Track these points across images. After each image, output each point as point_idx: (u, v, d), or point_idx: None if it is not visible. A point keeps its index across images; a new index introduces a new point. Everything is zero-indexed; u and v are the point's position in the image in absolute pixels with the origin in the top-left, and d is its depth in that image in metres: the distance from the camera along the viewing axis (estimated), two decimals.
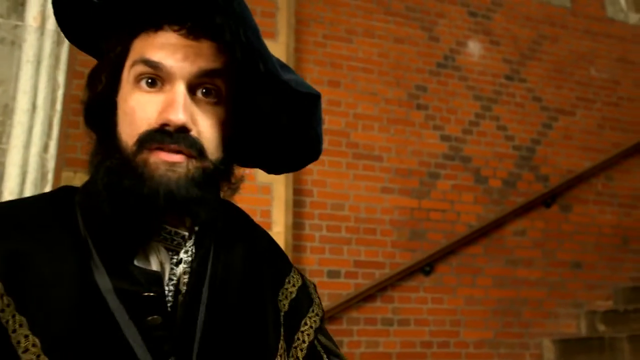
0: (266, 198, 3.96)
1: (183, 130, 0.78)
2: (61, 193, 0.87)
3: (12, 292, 0.74)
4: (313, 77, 4.56)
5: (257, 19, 3.48)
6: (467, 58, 5.12)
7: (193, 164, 0.79)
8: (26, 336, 0.72)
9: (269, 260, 0.98)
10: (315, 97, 0.89)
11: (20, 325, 0.73)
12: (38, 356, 0.72)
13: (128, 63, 0.82)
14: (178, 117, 0.77)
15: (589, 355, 4.32)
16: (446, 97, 4.93)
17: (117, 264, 0.79)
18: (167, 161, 0.77)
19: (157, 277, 0.80)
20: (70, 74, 3.68)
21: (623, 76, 5.68)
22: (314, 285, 1.04)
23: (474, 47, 5.17)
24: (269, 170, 1.01)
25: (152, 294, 0.79)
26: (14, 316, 0.73)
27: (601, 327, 4.64)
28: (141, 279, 0.79)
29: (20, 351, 0.72)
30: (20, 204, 0.86)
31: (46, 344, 0.72)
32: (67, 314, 0.75)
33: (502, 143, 5.02)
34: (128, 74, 0.82)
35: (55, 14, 0.88)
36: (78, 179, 3.67)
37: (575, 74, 5.49)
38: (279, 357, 0.88)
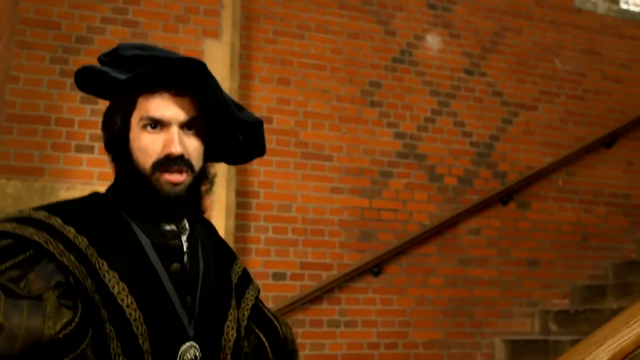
0: (206, 203, 3.86)
1: (180, 157, 1.17)
2: (95, 195, 1.26)
3: (93, 244, 1.11)
4: (262, 75, 4.43)
5: (200, 18, 3.35)
6: (425, 52, 4.96)
7: (188, 177, 1.19)
8: (107, 271, 1.10)
9: (224, 248, 1.41)
10: (260, 123, 1.32)
11: (103, 265, 1.10)
12: (118, 283, 1.10)
13: (136, 115, 1.19)
14: (177, 149, 1.16)
15: (536, 356, 4.23)
16: (402, 93, 4.79)
17: (149, 227, 1.20)
18: (170, 181, 1.17)
19: (177, 233, 1.23)
20: (5, 77, 3.57)
21: (589, 68, 5.50)
22: (246, 269, 1.46)
23: (433, 41, 5.00)
24: (228, 162, 1.43)
25: (176, 242, 1.22)
26: (97, 259, 1.10)
27: (553, 327, 4.55)
28: (167, 234, 1.21)
29: (106, 280, 1.09)
30: (77, 202, 1.23)
31: (120, 275, 1.11)
32: (126, 259, 1.14)
33: (459, 140, 4.88)
34: (137, 122, 1.18)
35: (78, 78, 1.24)
36: (11, 186, 3.58)
37: (538, 66, 5.31)
38: (232, 309, 1.29)
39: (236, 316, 1.30)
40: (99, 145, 3.77)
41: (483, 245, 4.74)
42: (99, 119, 3.48)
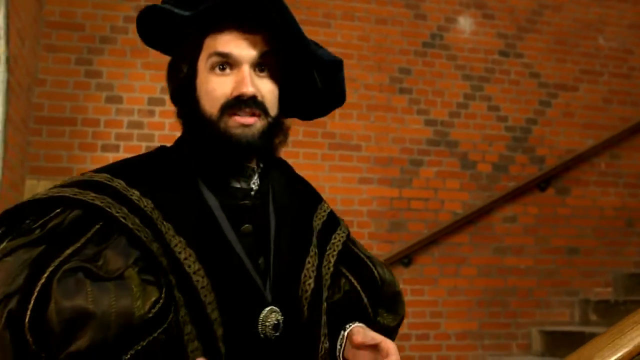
0: None
1: (253, 97, 1.08)
2: (162, 150, 1.20)
3: (158, 207, 1.05)
4: None
5: None
6: (457, 35, 4.78)
7: (261, 122, 1.10)
8: (174, 236, 1.04)
9: (305, 193, 1.32)
10: (340, 62, 1.23)
11: (169, 229, 1.04)
12: (184, 248, 1.03)
13: (203, 56, 1.11)
14: (249, 89, 1.07)
15: (573, 348, 4.07)
16: (432, 78, 4.64)
17: (218, 187, 1.13)
18: (242, 123, 1.08)
19: (248, 191, 1.15)
20: (32, 80, 3.64)
21: (636, 44, 5.17)
22: (337, 216, 1.35)
23: (465, 23, 4.82)
24: (303, 118, 1.32)
25: (247, 202, 1.14)
26: (163, 223, 1.04)
27: (593, 318, 4.36)
28: (237, 193, 1.14)
29: (172, 245, 1.03)
30: (142, 160, 1.17)
31: (187, 240, 1.04)
32: (193, 223, 1.07)
33: (494, 125, 4.70)
34: (204, 64, 1.10)
35: (139, 23, 1.17)
36: (42, 186, 3.67)
37: (580, 45, 5.04)
38: (309, 257, 1.19)
39: (315, 264, 1.19)
40: (124, 144, 3.82)
41: (519, 233, 4.57)
42: (124, 118, 3.58)
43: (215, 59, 1.09)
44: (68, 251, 0.95)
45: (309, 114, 1.31)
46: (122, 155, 3.79)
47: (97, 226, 1.00)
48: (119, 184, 1.05)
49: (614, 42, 5.12)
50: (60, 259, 0.94)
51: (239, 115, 1.08)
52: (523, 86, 4.82)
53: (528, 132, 4.76)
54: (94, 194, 1.02)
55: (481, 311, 4.39)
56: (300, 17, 4.08)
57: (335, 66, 1.22)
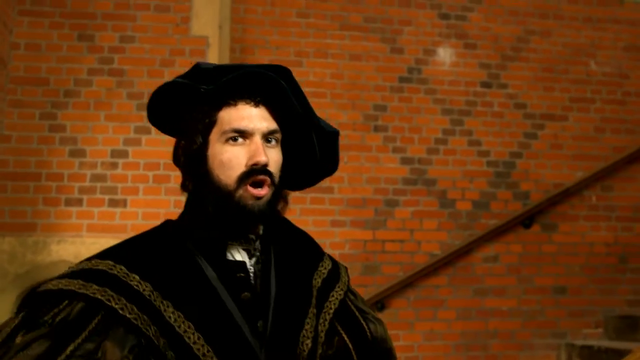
0: None
1: (265, 166, 1.14)
2: (165, 225, 1.26)
3: (157, 288, 1.11)
4: None
5: (186, 60, 3.27)
6: (436, 68, 4.59)
7: (270, 191, 1.15)
8: (173, 312, 1.09)
9: (308, 251, 1.33)
10: (337, 133, 1.30)
11: (168, 306, 1.09)
12: (183, 322, 1.09)
13: (216, 129, 1.16)
14: (262, 159, 1.14)
15: None
16: (409, 114, 4.47)
17: (216, 260, 1.17)
18: (254, 196, 1.14)
19: (243, 264, 1.19)
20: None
21: (632, 67, 4.87)
22: (345, 268, 1.39)
23: (445, 54, 4.62)
24: (292, 188, 1.32)
25: (242, 274, 1.18)
26: (162, 302, 1.10)
27: None
28: (233, 267, 1.18)
29: (171, 320, 1.09)
30: (143, 238, 1.23)
31: (185, 313, 1.10)
32: (192, 295, 1.12)
33: (475, 160, 4.50)
34: (219, 136, 1.16)
35: (155, 98, 1.24)
36: (7, 243, 3.70)
37: (569, 71, 4.77)
38: (308, 319, 1.22)
39: (314, 325, 1.23)
40: (87, 198, 3.81)
41: (501, 273, 4.37)
42: (87, 172, 3.55)
43: (231, 133, 1.16)
44: (70, 348, 1.03)
45: (298, 184, 1.35)
46: (85, 209, 3.79)
47: (99, 317, 1.07)
48: (120, 270, 1.11)
49: (608, 66, 4.83)
50: (62, 357, 1.03)
51: (252, 185, 1.15)
52: (507, 118, 4.60)
53: (512, 167, 4.54)
54: (96, 287, 1.09)
55: (460, 355, 4.22)
56: (270, 57, 3.99)
57: (333, 137, 1.29)
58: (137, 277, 1.12)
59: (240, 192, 1.14)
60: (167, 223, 1.27)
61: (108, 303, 1.07)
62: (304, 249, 1.35)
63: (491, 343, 4.26)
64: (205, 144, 1.18)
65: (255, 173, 1.14)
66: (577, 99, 4.73)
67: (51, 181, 3.81)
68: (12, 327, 1.08)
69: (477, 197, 4.44)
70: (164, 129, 1.32)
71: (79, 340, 1.05)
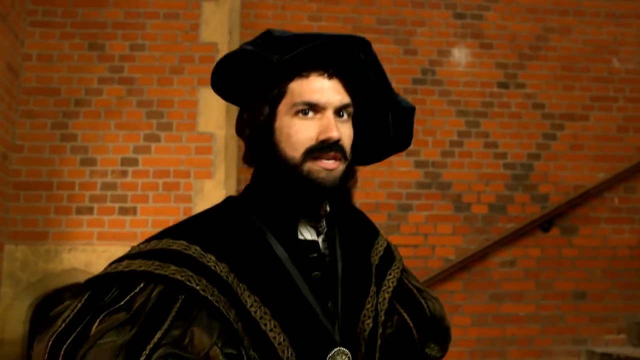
0: None
1: (337, 142, 1.08)
2: (229, 203, 1.21)
3: (233, 270, 1.05)
4: None
5: (195, 67, 3.26)
6: (451, 69, 4.48)
7: (341, 166, 1.10)
8: (249, 295, 1.04)
9: (364, 229, 1.31)
10: (413, 109, 1.23)
11: (244, 290, 1.04)
12: (260, 307, 1.04)
13: (286, 100, 1.10)
14: (334, 134, 1.07)
15: None
16: (423, 117, 4.37)
17: (287, 239, 1.13)
18: (326, 168, 1.08)
19: (316, 244, 1.16)
20: (7, 148, 3.71)
21: None
22: (395, 246, 1.36)
23: (460, 55, 4.50)
24: (361, 163, 1.26)
25: (315, 254, 1.14)
26: (238, 285, 1.04)
27: None
28: (305, 246, 1.14)
29: (248, 305, 1.03)
30: (211, 217, 1.17)
31: (261, 298, 1.05)
32: (265, 277, 1.07)
33: (491, 163, 4.38)
34: (287, 108, 1.09)
35: (221, 65, 1.17)
36: (20, 251, 3.74)
37: (590, 69, 4.60)
38: (369, 297, 1.20)
39: (374, 303, 1.21)
40: (97, 206, 3.82)
41: (519, 278, 4.24)
42: (98, 180, 3.56)
43: (301, 105, 1.09)
44: (157, 335, 0.96)
45: (368, 159, 1.30)
46: (96, 218, 3.80)
47: (180, 300, 1.01)
48: (195, 250, 1.05)
49: (631, 63, 4.64)
50: (151, 345, 0.95)
51: (323, 159, 1.08)
52: (524, 119, 4.46)
53: (530, 169, 4.40)
54: (174, 267, 1.02)
55: None
56: None
57: (409, 113, 1.23)
58: (214, 258, 1.05)
59: (309, 164, 1.08)
60: (230, 200, 1.22)
61: (189, 284, 1.01)
62: (362, 226, 1.32)
63: (508, 350, 4.14)
64: (272, 116, 1.11)
65: (326, 148, 1.08)
66: (598, 98, 4.55)
67: (62, 190, 3.83)
68: (76, 311, 1.01)
69: (494, 201, 4.32)
70: (227, 96, 1.25)
71: (164, 327, 0.97)
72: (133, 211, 3.82)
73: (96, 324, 0.98)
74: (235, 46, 3.96)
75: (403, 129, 1.23)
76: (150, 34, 4.03)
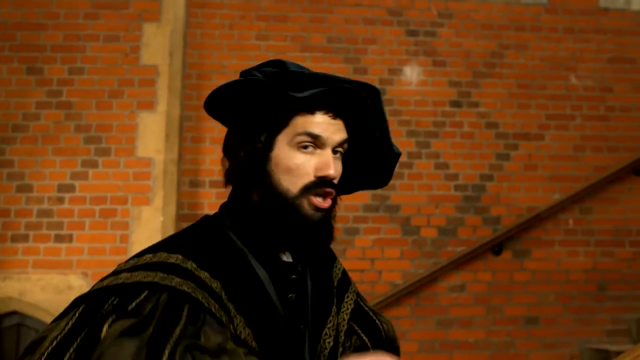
0: None
1: (333, 179, 1.09)
2: (208, 222, 1.19)
3: (224, 288, 1.05)
4: (213, 135, 4.12)
5: (135, 90, 3.15)
6: (402, 88, 4.33)
7: (331, 203, 1.11)
8: (235, 315, 1.04)
9: (325, 251, 1.29)
10: (399, 155, 1.24)
11: (232, 309, 1.04)
12: (244, 328, 1.05)
13: (288, 131, 1.09)
14: (331, 172, 1.08)
15: None
16: None
17: (268, 261, 1.13)
18: (318, 207, 1.08)
19: (294, 266, 1.17)
20: None
21: (617, 80, 4.49)
22: (345, 270, 1.36)
23: (412, 73, 4.35)
24: (346, 192, 1.27)
25: (294, 276, 1.16)
26: (228, 303, 1.04)
27: None
28: (285, 267, 1.15)
29: (234, 324, 1.04)
30: (195, 235, 1.15)
31: (245, 319, 1.05)
32: (249, 298, 1.07)
33: (441, 184, 4.23)
34: (289, 140, 1.09)
35: (223, 90, 1.13)
36: None
37: (547, 86, 4.43)
38: (331, 317, 1.20)
39: (334, 323, 1.22)
40: (33, 234, 3.73)
41: (468, 303, 4.10)
42: (34, 207, 3.46)
43: (304, 137, 1.09)
44: (177, 330, 0.95)
45: (344, 190, 1.27)
46: (31, 245, 3.71)
47: (187, 307, 1.00)
48: (191, 266, 1.05)
49: (590, 80, 4.47)
50: (174, 339, 0.94)
51: (318, 196, 1.09)
52: (477, 139, 4.31)
53: (482, 190, 4.25)
54: (178, 279, 1.02)
55: None
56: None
57: (394, 158, 1.24)
58: (208, 275, 1.05)
59: (303, 201, 1.09)
60: (207, 219, 1.20)
61: (193, 295, 1.01)
62: (323, 248, 1.31)
63: None
64: (270, 145, 1.11)
65: (323, 185, 1.09)
66: (555, 116, 4.39)
67: None
68: (70, 324, 0.97)
69: (444, 224, 4.18)
70: (218, 116, 1.21)
71: (181, 324, 0.96)
72: (69, 238, 3.72)
73: (105, 329, 0.94)
74: (176, 68, 3.86)
75: (384, 171, 1.25)
76: (89, 57, 3.92)
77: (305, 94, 1.07)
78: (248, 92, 1.12)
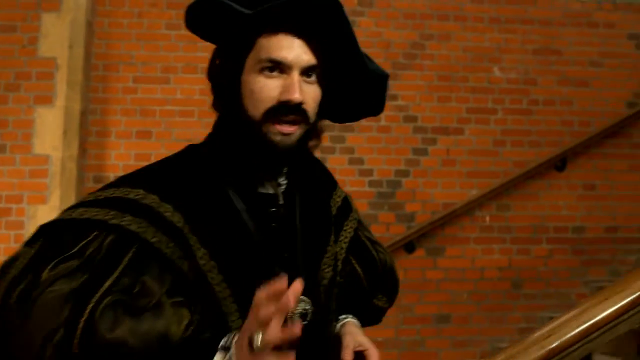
0: None
1: (299, 105, 1.02)
2: (191, 151, 1.15)
3: (188, 221, 1.01)
4: (119, 129, 3.94)
5: (32, 84, 2.96)
6: None
7: (300, 129, 1.04)
8: (199, 248, 1.01)
9: (323, 180, 1.27)
10: (386, 76, 1.16)
11: (195, 242, 1.00)
12: (208, 260, 1.01)
13: (253, 54, 1.03)
14: (295, 96, 1.01)
15: None
16: None
17: (247, 193, 1.08)
18: (282, 132, 1.02)
19: (275, 197, 1.11)
20: None
21: (542, 72, 4.30)
22: (350, 196, 1.34)
23: None
24: (335, 120, 1.24)
25: (274, 209, 1.11)
26: (191, 236, 1.01)
27: None
28: (265, 200, 1.10)
29: (197, 258, 1.00)
30: (171, 165, 1.11)
31: (211, 251, 1.01)
32: (220, 230, 1.03)
33: (355, 180, 4.07)
34: (254, 64, 1.03)
35: (191, 10, 1.07)
36: None
37: (469, 79, 4.24)
38: (329, 246, 1.17)
39: (333, 252, 1.20)
40: None
41: None
42: None
43: (267, 63, 1.03)
44: (107, 283, 0.94)
45: (342, 117, 1.25)
46: None
47: (133, 250, 0.98)
48: (152, 200, 1.02)
49: (514, 72, 4.28)
50: (100, 293, 0.93)
51: (281, 122, 1.03)
52: (394, 133, 4.13)
53: (397, 186, 4.10)
54: (130, 217, 1.00)
55: None
56: (134, 74, 3.62)
57: (382, 80, 1.17)
58: (171, 208, 1.02)
59: (267, 125, 1.03)
60: (190, 148, 1.16)
61: (143, 235, 0.98)
62: (321, 178, 1.28)
63: None
64: (240, 68, 1.06)
65: (286, 110, 1.03)
66: (475, 110, 4.21)
67: None
68: (29, 257, 0.98)
69: None
70: (203, 36, 1.15)
71: (115, 275, 0.95)
72: None
73: (47, 271, 0.95)
74: (77, 60, 3.68)
75: (375, 95, 1.18)
76: None
77: (254, 11, 1.01)
78: (212, 13, 1.06)
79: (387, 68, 3.99)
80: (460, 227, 4.08)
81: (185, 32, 3.53)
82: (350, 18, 3.68)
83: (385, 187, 4.07)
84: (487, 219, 4.11)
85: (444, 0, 4.26)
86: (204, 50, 3.52)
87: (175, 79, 4.01)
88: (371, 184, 4.06)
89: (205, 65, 3.03)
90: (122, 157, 3.91)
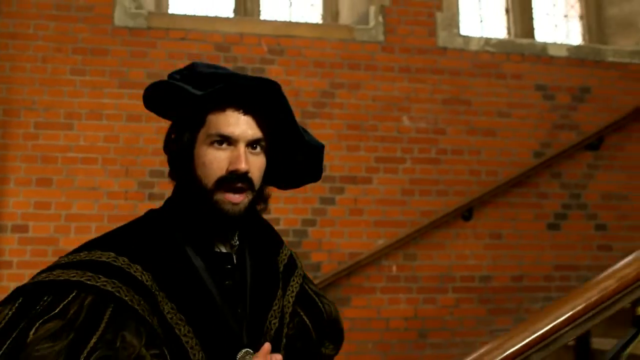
0: None
1: (245, 174, 1.15)
2: (151, 215, 1.25)
3: (155, 279, 1.11)
4: (19, 176, 3.81)
5: None
6: None
7: (247, 198, 1.17)
8: (167, 303, 1.11)
9: (271, 239, 1.37)
10: (322, 147, 1.30)
11: (163, 297, 1.10)
12: (175, 314, 1.11)
13: (204, 130, 1.16)
14: (242, 166, 1.14)
15: None
16: None
17: (204, 252, 1.19)
18: (231, 202, 1.15)
19: (230, 256, 1.23)
20: None
21: (451, 122, 4.31)
22: (296, 254, 1.44)
23: None
24: (280, 187, 1.33)
25: (229, 266, 1.22)
26: (159, 293, 1.11)
27: None
28: (220, 258, 1.21)
29: (165, 312, 1.10)
30: (136, 229, 1.21)
31: (178, 306, 1.11)
32: (183, 286, 1.14)
33: None
34: (205, 138, 1.16)
35: (149, 92, 1.22)
36: None
37: (378, 128, 4.23)
38: (276, 300, 1.27)
39: (281, 305, 1.28)
40: None
41: None
42: None
43: (215, 137, 1.14)
44: (93, 340, 1.00)
45: (286, 184, 1.34)
46: None
47: (110, 308, 1.05)
48: (123, 262, 1.10)
49: (423, 121, 4.28)
50: (88, 349, 0.99)
51: (230, 191, 1.14)
52: None
53: (303, 236, 4.04)
54: (104, 278, 1.06)
55: None
56: (36, 120, 3.48)
57: (318, 150, 1.28)
58: (140, 268, 1.11)
59: (218, 195, 1.14)
60: (151, 213, 1.25)
61: (118, 295, 1.06)
62: (269, 237, 1.37)
63: None
64: (193, 142, 1.17)
65: (234, 179, 1.14)
66: (384, 159, 4.19)
67: None
68: (8, 317, 1.03)
69: None
70: (160, 114, 1.28)
71: (99, 332, 1.02)
72: None
73: (32, 332, 1.00)
74: None
75: (313, 164, 1.29)
76: None
77: (204, 92, 1.14)
78: (168, 93, 1.19)
79: (296, 116, 3.98)
80: (366, 277, 4.04)
81: (91, 78, 3.47)
82: (260, 66, 3.74)
83: (291, 237, 4.01)
84: (394, 268, 4.08)
85: (354, 49, 4.26)
86: (110, 97, 3.44)
87: (79, 126, 3.90)
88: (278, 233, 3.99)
89: (110, 111, 3.25)
90: (21, 205, 3.77)
